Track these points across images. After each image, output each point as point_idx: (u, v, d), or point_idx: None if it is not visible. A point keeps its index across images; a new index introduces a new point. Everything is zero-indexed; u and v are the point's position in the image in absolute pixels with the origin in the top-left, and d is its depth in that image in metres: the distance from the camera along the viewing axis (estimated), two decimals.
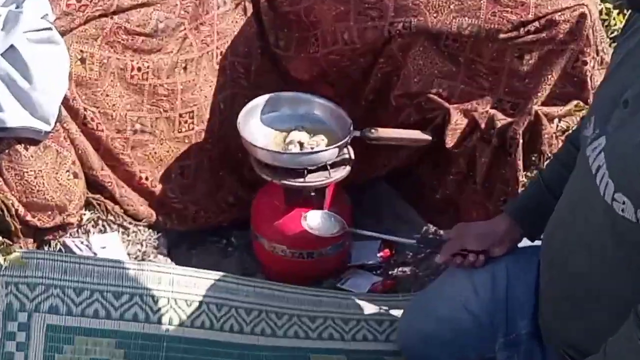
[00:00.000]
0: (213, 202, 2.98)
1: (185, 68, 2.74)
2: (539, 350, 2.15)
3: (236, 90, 2.93)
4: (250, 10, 2.87)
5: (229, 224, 3.05)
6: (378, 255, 2.97)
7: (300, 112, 2.91)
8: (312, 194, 2.79)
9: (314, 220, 2.68)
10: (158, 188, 2.88)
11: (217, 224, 3.02)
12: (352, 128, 2.76)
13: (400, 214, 3.05)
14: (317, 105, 2.91)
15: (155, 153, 2.85)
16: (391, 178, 3.10)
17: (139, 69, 2.69)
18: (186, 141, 2.91)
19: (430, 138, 2.85)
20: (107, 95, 2.68)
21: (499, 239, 2.27)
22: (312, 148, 2.77)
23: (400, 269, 2.88)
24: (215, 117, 2.91)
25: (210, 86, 2.89)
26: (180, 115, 2.84)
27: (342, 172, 2.78)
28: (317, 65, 2.87)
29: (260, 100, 2.87)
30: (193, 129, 2.88)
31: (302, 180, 2.72)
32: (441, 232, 2.83)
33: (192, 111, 2.86)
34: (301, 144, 2.81)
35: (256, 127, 2.84)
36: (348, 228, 2.68)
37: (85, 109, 2.65)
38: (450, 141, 2.78)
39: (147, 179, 2.87)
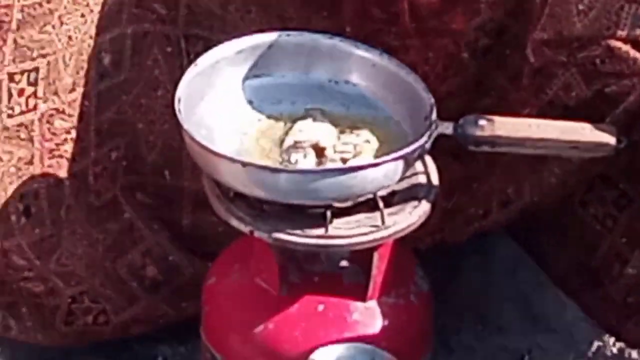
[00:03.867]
0: (107, 279, 2.20)
1: None
2: None
3: (149, 25, 2.15)
4: None
5: (148, 330, 2.21)
6: None
7: (320, 78, 2.06)
8: (342, 264, 1.91)
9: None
10: None
11: (119, 331, 2.18)
12: (434, 116, 1.93)
13: (541, 309, 2.28)
14: (358, 63, 2.07)
15: None
16: (520, 230, 2.29)
17: None
18: (24, 136, 2.12)
19: (614, 141, 1.95)
20: None
21: None
22: (343, 159, 1.92)
23: None
24: (94, 83, 2.15)
25: (83, 16, 2.14)
26: (11, 77, 2.06)
27: (410, 217, 1.92)
28: None
29: (233, 48, 2.04)
30: (36, 108, 2.11)
31: (319, 233, 1.87)
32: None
33: (37, 68, 2.11)
34: (319, 150, 1.94)
35: (219, 111, 2.01)
36: None
37: None
38: None
39: None
